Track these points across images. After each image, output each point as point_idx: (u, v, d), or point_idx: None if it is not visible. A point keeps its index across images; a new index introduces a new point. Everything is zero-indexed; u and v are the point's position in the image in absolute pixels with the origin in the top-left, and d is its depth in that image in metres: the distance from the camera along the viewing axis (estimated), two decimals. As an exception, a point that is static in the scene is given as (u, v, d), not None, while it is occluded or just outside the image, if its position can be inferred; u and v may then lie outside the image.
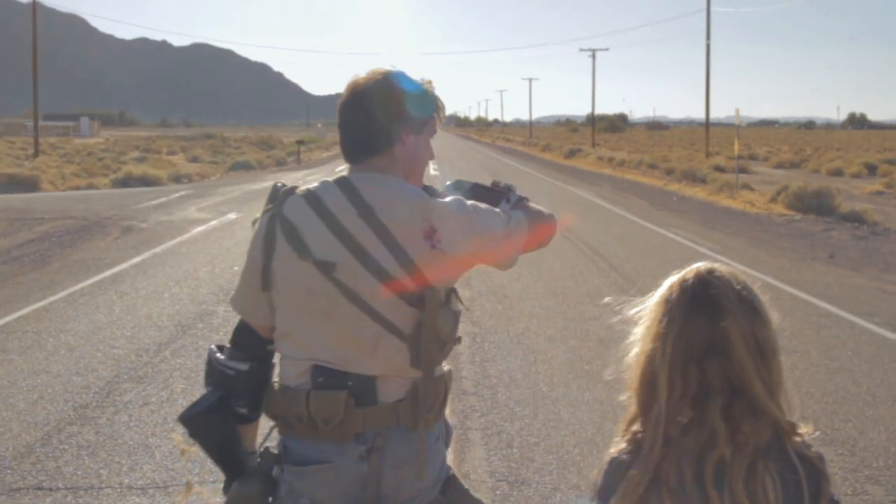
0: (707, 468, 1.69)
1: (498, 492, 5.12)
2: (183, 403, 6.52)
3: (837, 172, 39.81)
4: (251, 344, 2.47)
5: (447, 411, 2.54)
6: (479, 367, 7.74)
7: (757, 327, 1.76)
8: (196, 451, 2.54)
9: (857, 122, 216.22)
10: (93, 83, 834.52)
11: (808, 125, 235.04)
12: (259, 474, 2.38)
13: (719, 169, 37.40)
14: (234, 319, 7.56)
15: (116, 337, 8.77)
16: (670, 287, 1.82)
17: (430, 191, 2.48)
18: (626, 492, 1.73)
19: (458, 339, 2.45)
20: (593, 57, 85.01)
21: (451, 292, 2.42)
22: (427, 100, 2.46)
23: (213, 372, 2.48)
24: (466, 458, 5.61)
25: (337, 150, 56.12)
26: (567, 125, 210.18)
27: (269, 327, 2.45)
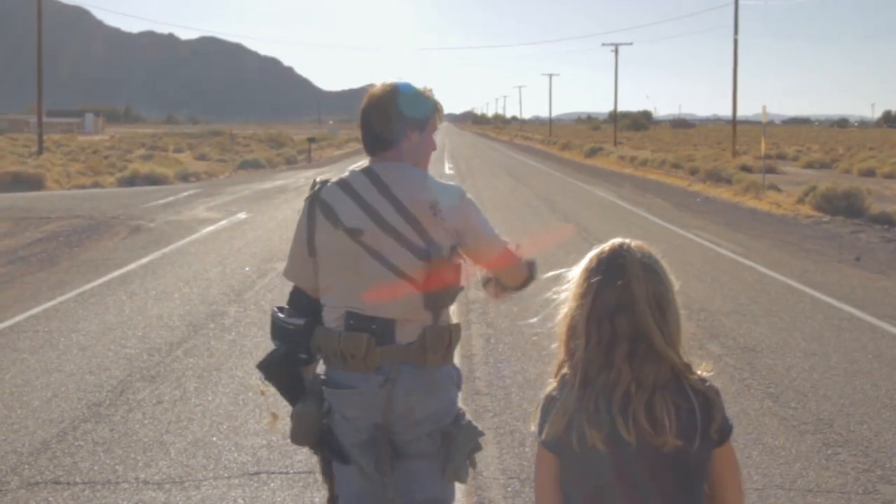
0: (615, 399, 2.24)
1: (509, 488, 5.37)
2: (196, 402, 6.84)
3: (869, 173, 39.73)
4: (303, 304, 3.30)
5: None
6: (493, 367, 8.00)
7: (656, 288, 2.29)
8: (271, 390, 3.29)
9: (892, 119, 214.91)
10: (98, 78, 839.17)
11: (842, 123, 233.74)
12: (312, 395, 3.20)
13: (746, 169, 37.45)
14: (246, 320, 7.91)
15: (128, 337, 9.06)
16: (591, 259, 2.38)
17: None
18: (555, 419, 2.30)
19: (462, 287, 3.21)
20: (616, 52, 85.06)
21: (453, 249, 3.16)
22: (419, 102, 3.23)
23: (277, 328, 3.26)
24: (478, 456, 5.84)
25: (349, 148, 56.82)
26: (588, 123, 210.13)
27: (315, 288, 3.27)
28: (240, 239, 16.55)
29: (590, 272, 2.34)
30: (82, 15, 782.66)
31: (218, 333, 9.20)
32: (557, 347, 2.39)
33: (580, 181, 35.29)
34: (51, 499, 5.21)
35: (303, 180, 34.50)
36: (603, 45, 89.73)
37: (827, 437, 6.28)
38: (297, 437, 3.23)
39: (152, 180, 34.63)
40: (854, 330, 9.56)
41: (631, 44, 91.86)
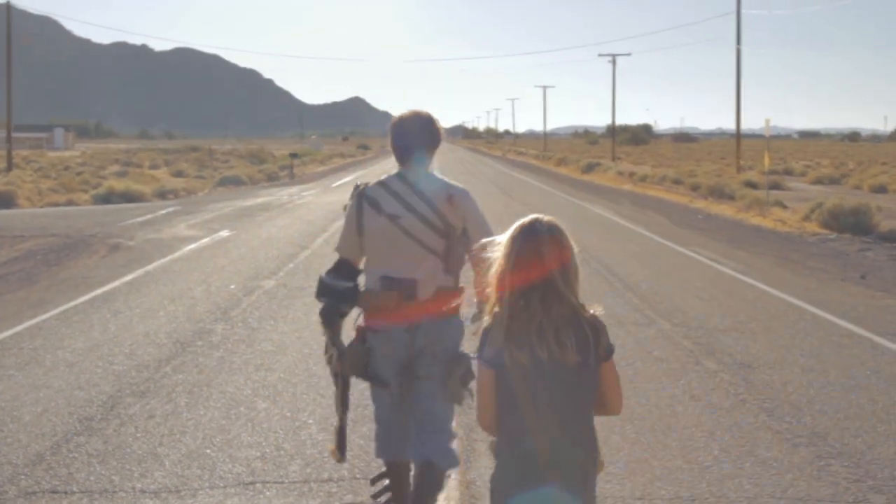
0: (532, 328, 3.31)
1: (504, 496, 5.74)
2: (188, 416, 7.19)
3: (881, 189, 40.26)
4: (347, 271, 4.91)
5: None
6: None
7: (561, 251, 3.35)
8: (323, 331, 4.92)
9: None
10: (67, 91, 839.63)
11: (853, 137, 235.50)
12: (361, 340, 4.84)
13: (750, 185, 37.95)
14: (234, 338, 8.39)
15: (115, 354, 9.43)
16: (514, 229, 3.43)
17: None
18: (492, 343, 3.37)
19: (467, 259, 4.80)
20: (613, 62, 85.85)
21: (463, 231, 4.77)
22: (439, 130, 4.99)
23: (325, 289, 4.86)
24: (473, 466, 6.25)
25: (333, 164, 57.38)
26: (585, 137, 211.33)
27: (358, 259, 4.90)
28: (223, 257, 16.93)
29: (513, 239, 3.40)
30: (50, 25, 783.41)
31: (206, 351, 9.57)
32: (490, 292, 3.42)
33: (576, 198, 35.78)
34: (48, 508, 5.58)
35: (286, 197, 34.90)
36: (599, 55, 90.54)
37: (820, 450, 6.68)
38: (352, 369, 4.86)
39: (128, 197, 35.03)
40: (854, 346, 9.97)
41: (629, 54, 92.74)
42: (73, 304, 12.24)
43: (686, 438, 6.90)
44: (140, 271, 15.18)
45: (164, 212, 27.75)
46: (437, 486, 4.92)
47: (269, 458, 6.40)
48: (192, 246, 18.69)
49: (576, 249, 3.39)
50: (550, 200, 33.94)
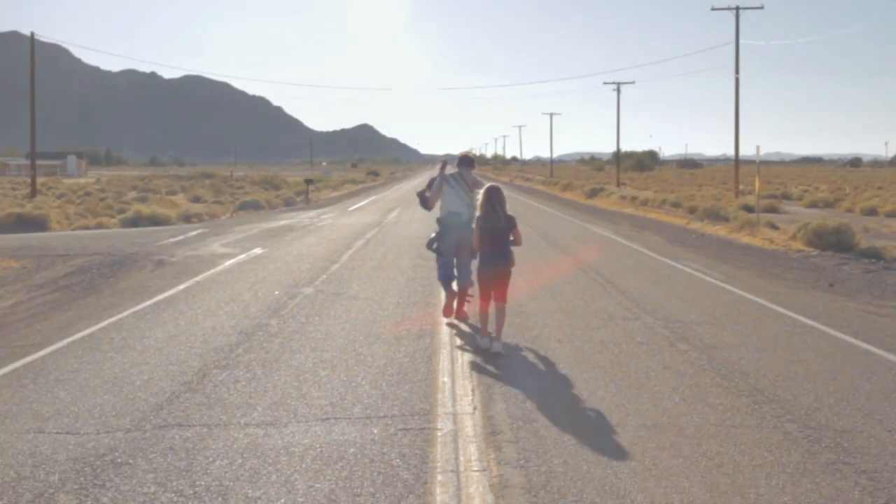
0: (491, 217, 11.21)
1: (514, 426, 7.74)
2: (266, 381, 9.32)
3: (871, 212, 42.14)
4: (427, 205, 13.37)
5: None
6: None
7: (499, 196, 11.23)
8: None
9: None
10: (76, 118, 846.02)
11: (854, 162, 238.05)
12: (436, 237, 13.02)
13: (747, 208, 39.79)
14: (288, 329, 11.30)
15: (192, 341, 11.46)
16: (485, 187, 11.48)
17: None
18: (478, 220, 11.30)
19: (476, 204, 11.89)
20: (618, 90, 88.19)
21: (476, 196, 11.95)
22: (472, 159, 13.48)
23: (421, 203, 13.54)
24: (491, 409, 8.27)
25: (345, 189, 59.31)
26: (591, 163, 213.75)
27: (434, 206, 13.28)
28: (262, 270, 19.01)
29: (485, 191, 11.29)
30: (60, 53, 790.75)
31: (267, 338, 11.61)
32: (479, 207, 11.18)
33: (580, 220, 37.82)
34: (180, 434, 7.58)
35: (307, 220, 37.00)
36: (604, 83, 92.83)
37: (756, 399, 8.68)
38: (429, 246, 13.11)
39: (155, 221, 37.17)
40: (804, 334, 11.97)
41: (633, 82, 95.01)
42: (141, 306, 14.29)
43: (655, 392, 8.90)
44: (191, 282, 17.23)
45: (193, 233, 29.84)
46: (468, 288, 12.66)
47: (336, 405, 8.42)
48: (231, 261, 20.77)
49: (505, 194, 11.24)
50: (555, 222, 35.97)
